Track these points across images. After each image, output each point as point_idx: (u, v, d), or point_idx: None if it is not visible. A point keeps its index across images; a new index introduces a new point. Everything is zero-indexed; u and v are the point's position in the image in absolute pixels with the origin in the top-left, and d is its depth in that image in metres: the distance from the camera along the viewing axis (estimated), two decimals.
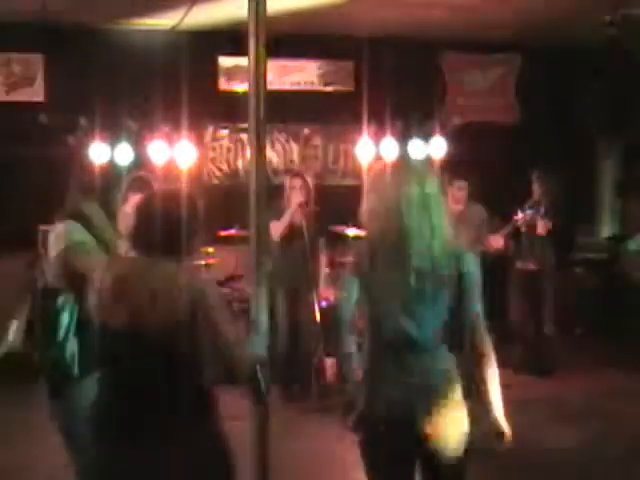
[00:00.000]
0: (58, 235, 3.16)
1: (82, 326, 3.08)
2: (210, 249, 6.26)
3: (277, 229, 5.63)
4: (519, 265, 6.53)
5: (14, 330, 3.16)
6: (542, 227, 6.22)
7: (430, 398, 2.54)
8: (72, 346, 3.09)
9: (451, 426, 2.57)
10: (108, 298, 2.41)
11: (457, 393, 2.61)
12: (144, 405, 2.38)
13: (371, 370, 2.63)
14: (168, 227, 2.41)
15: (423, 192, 2.56)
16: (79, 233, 3.16)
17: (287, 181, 5.87)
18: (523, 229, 6.29)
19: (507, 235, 6.20)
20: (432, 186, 2.60)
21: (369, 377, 2.63)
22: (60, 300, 3.11)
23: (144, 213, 2.47)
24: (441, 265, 2.52)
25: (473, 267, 2.59)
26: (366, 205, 2.69)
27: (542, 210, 6.25)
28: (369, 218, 2.67)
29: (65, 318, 3.09)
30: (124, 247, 3.09)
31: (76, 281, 3.05)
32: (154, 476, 2.36)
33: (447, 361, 2.63)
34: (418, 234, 2.51)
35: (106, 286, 2.42)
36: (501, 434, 2.61)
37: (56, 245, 3.12)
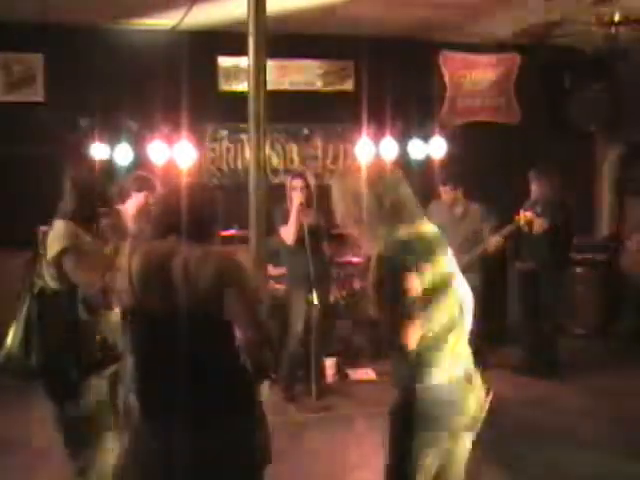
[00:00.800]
0: (56, 236, 3.12)
1: (80, 327, 3.07)
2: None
3: (289, 233, 5.59)
4: (519, 265, 6.54)
5: (12, 333, 3.14)
6: (539, 226, 6.22)
7: None
8: (70, 348, 3.07)
9: None
10: (140, 281, 2.44)
11: None
12: (182, 389, 2.39)
13: None
14: (193, 214, 2.51)
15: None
16: (78, 234, 3.14)
17: (288, 181, 5.86)
18: (525, 229, 6.27)
19: (507, 235, 6.18)
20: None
21: None
22: (59, 301, 3.09)
23: (170, 202, 2.55)
24: None
25: None
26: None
27: (539, 209, 6.25)
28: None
29: (63, 319, 3.08)
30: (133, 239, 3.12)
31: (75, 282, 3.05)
32: (198, 459, 2.39)
33: None
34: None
35: (136, 270, 2.45)
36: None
37: (54, 246, 3.09)
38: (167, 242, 2.50)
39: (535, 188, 6.38)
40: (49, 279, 3.13)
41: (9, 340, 3.10)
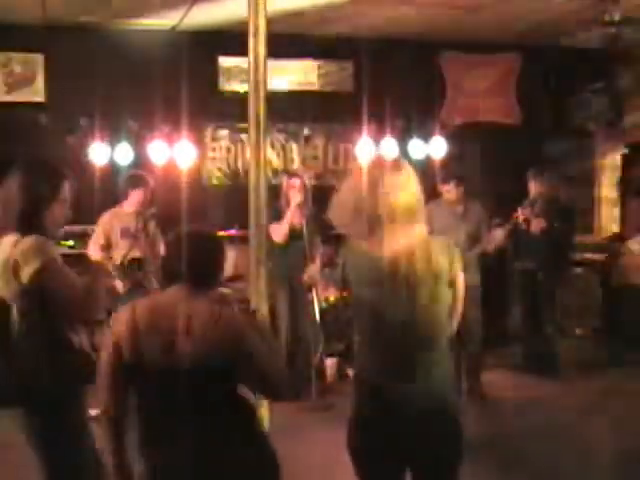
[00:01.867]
0: (30, 249, 2.79)
1: (51, 343, 2.90)
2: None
3: (279, 231, 5.64)
4: (518, 265, 6.53)
5: None
6: (536, 225, 6.21)
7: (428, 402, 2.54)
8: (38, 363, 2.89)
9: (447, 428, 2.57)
10: (140, 331, 2.42)
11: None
12: (182, 441, 2.40)
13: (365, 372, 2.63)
14: (200, 262, 2.52)
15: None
16: (52, 248, 2.87)
17: (284, 181, 5.88)
18: (524, 226, 6.26)
19: (507, 233, 6.17)
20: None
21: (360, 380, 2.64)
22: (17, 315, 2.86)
23: (175, 248, 2.55)
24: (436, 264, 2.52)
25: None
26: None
27: (536, 208, 6.24)
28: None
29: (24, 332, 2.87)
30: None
31: (51, 298, 2.82)
32: None
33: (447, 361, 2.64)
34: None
35: (138, 318, 2.43)
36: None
37: (30, 261, 2.77)
38: (172, 293, 2.49)
39: (533, 187, 6.37)
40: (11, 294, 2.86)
41: None
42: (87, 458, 2.96)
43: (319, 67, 7.62)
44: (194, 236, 2.59)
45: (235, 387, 2.48)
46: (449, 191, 6.04)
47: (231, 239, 6.12)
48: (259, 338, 2.48)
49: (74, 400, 2.95)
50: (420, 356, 2.53)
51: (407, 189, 2.55)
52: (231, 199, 6.98)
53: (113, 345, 2.43)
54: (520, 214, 6.20)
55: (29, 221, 2.84)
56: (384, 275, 2.49)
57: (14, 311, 2.84)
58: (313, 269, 5.76)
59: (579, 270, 7.65)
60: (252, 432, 2.53)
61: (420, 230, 2.56)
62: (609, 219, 8.42)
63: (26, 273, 2.76)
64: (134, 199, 5.65)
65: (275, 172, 7.29)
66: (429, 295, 2.50)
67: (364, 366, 2.64)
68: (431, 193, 6.24)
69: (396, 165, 2.62)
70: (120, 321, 2.46)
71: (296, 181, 5.76)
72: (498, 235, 5.98)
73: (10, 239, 2.83)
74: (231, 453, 2.43)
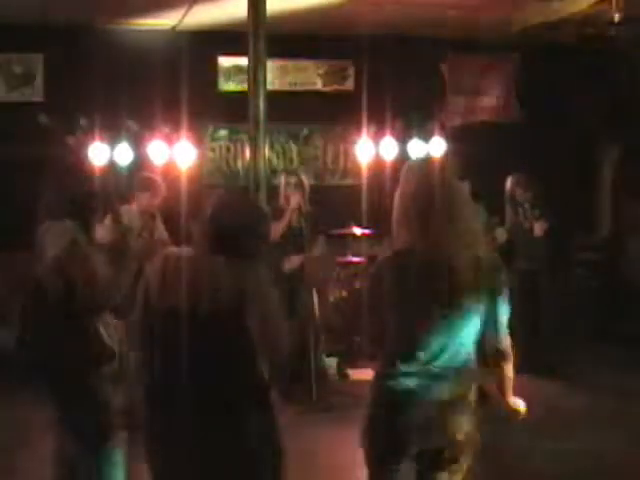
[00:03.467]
0: (58, 234, 3.09)
1: (76, 327, 3.04)
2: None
3: (276, 230, 5.64)
4: (518, 265, 6.50)
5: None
6: (539, 228, 6.21)
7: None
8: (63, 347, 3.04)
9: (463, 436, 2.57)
10: (163, 291, 2.41)
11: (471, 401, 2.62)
12: (195, 397, 2.38)
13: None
14: (238, 232, 2.47)
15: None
16: (80, 232, 3.12)
17: (282, 179, 5.90)
18: (525, 226, 6.25)
19: (508, 234, 6.17)
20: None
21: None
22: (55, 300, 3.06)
23: (216, 217, 2.49)
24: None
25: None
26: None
27: (538, 212, 6.23)
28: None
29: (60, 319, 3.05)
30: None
31: (76, 281, 3.03)
32: (205, 466, 2.40)
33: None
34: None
35: (155, 276, 2.44)
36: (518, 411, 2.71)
37: (56, 244, 3.07)
38: (197, 255, 2.47)
39: (520, 192, 6.38)
40: (46, 278, 3.09)
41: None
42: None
43: (319, 67, 7.62)
44: (234, 204, 2.54)
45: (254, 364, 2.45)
46: None
47: None
48: (273, 304, 2.47)
49: (94, 381, 3.08)
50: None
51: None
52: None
53: (141, 301, 2.46)
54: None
55: (75, 210, 3.12)
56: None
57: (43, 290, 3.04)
58: (295, 260, 5.74)
59: (579, 270, 7.65)
60: (263, 415, 2.51)
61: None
62: (609, 219, 8.42)
63: (50, 256, 3.00)
64: (142, 201, 5.66)
65: (275, 172, 7.29)
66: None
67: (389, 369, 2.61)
68: None
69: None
70: (147, 275, 2.47)
71: (292, 179, 5.77)
72: (500, 236, 6.01)
73: (44, 225, 3.14)
74: (241, 428, 2.42)
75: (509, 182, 6.49)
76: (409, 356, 2.50)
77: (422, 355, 2.48)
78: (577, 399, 5.78)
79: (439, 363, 2.49)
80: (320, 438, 4.89)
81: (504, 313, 2.66)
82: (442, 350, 2.48)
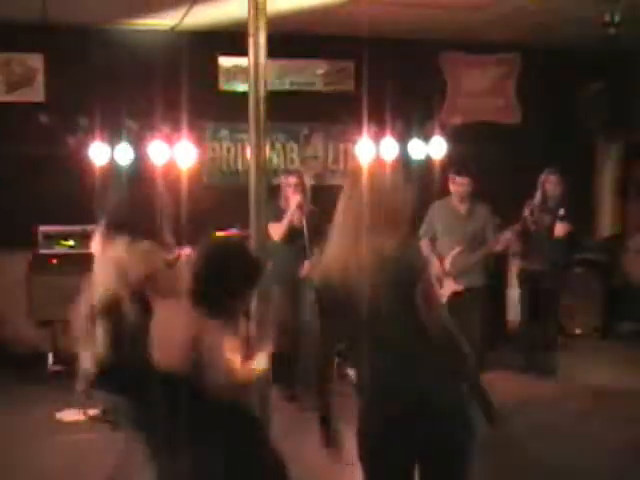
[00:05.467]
0: (143, 254, 2.93)
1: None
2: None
3: (278, 230, 5.63)
4: (524, 265, 6.47)
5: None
6: (560, 229, 6.12)
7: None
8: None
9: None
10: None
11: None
12: None
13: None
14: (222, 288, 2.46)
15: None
16: (159, 257, 2.98)
17: (283, 179, 5.90)
18: (532, 227, 6.21)
19: (514, 234, 6.12)
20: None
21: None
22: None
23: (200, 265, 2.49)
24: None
25: None
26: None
27: (562, 212, 6.16)
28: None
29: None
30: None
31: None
32: None
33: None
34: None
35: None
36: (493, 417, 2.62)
37: (139, 265, 2.90)
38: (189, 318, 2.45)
39: (551, 188, 6.31)
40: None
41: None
42: None
43: (319, 67, 7.62)
44: (212, 250, 2.52)
45: None
46: (462, 184, 5.90)
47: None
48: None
49: None
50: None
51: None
52: (231, 199, 6.98)
53: None
54: (528, 214, 6.16)
55: (144, 228, 2.96)
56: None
57: (126, 307, 2.89)
58: (307, 266, 5.74)
59: (579, 270, 7.65)
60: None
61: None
62: (609, 219, 8.42)
63: (134, 276, 2.84)
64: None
65: (275, 172, 7.29)
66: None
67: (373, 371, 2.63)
68: (431, 194, 6.28)
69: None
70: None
71: (293, 179, 5.77)
72: (507, 237, 5.92)
73: (124, 240, 2.93)
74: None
75: (541, 177, 6.37)
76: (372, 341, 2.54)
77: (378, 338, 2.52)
78: (577, 399, 5.78)
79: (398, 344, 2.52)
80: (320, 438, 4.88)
81: None
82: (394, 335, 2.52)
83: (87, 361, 2.89)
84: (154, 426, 2.70)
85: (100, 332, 2.89)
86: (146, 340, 2.80)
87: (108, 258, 2.93)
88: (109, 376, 2.87)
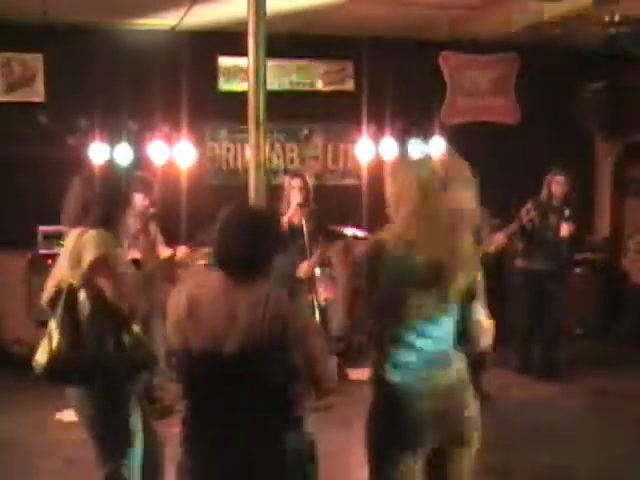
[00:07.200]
0: (94, 240, 3.04)
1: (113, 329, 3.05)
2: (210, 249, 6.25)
3: None
4: (523, 265, 6.45)
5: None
6: (566, 230, 6.14)
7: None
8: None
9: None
10: (186, 317, 2.36)
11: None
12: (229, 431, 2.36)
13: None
14: (251, 246, 2.38)
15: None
16: (112, 243, 3.10)
17: (286, 181, 5.88)
18: (528, 226, 6.21)
19: (510, 234, 6.12)
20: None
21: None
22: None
23: (227, 230, 2.42)
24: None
25: None
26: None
27: (567, 213, 6.17)
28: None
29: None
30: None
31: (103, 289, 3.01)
32: None
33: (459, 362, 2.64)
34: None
35: (183, 304, 2.38)
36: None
37: (90, 250, 3.00)
38: (220, 277, 2.38)
39: (557, 189, 6.30)
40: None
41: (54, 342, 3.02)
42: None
43: (319, 67, 7.62)
44: (242, 217, 2.45)
45: (285, 386, 2.41)
46: None
47: None
48: (304, 323, 2.41)
49: (130, 385, 3.12)
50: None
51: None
52: (231, 199, 6.96)
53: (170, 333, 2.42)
54: (525, 214, 6.16)
55: (100, 218, 3.11)
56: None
57: (81, 296, 3.02)
58: (306, 266, 5.74)
59: (579, 270, 7.65)
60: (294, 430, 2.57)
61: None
62: (609, 219, 8.42)
63: (86, 261, 2.98)
64: (136, 202, 5.63)
65: (275, 172, 7.29)
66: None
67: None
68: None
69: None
70: (170, 310, 2.42)
71: (297, 181, 5.76)
72: (499, 238, 5.94)
73: (77, 231, 3.09)
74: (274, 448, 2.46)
75: (547, 177, 6.36)
76: (399, 341, 2.54)
77: (412, 339, 2.53)
78: (577, 399, 5.78)
79: (429, 347, 2.54)
80: (319, 438, 4.88)
81: (478, 313, 2.71)
82: (429, 335, 2.54)
83: (41, 354, 2.99)
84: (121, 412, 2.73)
85: (52, 325, 3.00)
86: (105, 326, 2.94)
87: (63, 251, 3.11)
88: (62, 367, 2.95)
